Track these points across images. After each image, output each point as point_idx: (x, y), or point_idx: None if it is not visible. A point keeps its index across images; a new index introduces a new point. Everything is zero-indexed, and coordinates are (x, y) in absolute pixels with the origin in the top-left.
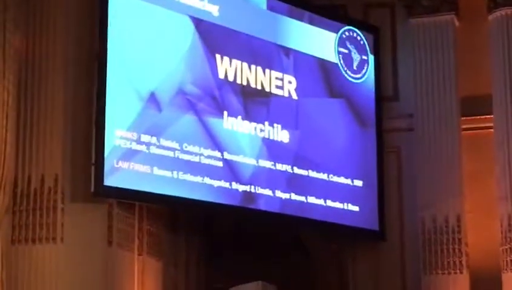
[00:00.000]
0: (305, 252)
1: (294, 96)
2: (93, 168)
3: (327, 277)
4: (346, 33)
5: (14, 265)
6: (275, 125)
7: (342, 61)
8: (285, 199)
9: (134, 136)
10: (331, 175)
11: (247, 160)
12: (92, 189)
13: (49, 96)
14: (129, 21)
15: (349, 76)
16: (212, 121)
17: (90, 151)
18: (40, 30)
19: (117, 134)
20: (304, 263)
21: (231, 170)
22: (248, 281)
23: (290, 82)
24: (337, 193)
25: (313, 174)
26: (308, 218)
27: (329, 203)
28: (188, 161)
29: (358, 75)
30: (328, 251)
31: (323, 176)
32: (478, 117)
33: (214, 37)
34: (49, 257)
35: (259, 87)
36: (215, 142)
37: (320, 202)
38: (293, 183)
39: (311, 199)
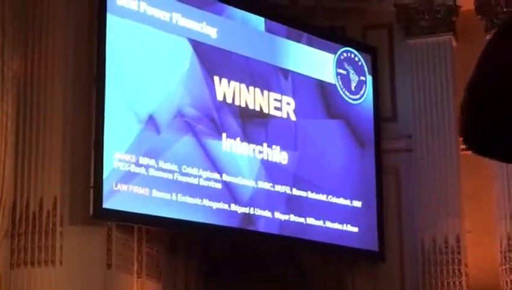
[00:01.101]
0: (303, 273)
1: (293, 117)
2: (92, 191)
3: None
4: (344, 54)
5: (14, 288)
6: (274, 146)
7: (340, 82)
8: (284, 221)
9: (133, 158)
10: (330, 196)
11: (246, 182)
12: (91, 212)
13: (48, 120)
14: (127, 44)
15: (348, 97)
16: (211, 143)
17: (89, 174)
18: (38, 53)
19: (116, 157)
20: (302, 284)
21: (230, 192)
22: None
23: (288, 103)
24: (336, 214)
25: (312, 195)
26: (307, 239)
27: (329, 224)
28: (187, 183)
29: (357, 96)
30: (327, 272)
31: (322, 197)
32: None
33: (212, 59)
34: (48, 280)
35: (257, 109)
36: (214, 164)
37: (320, 223)
38: (292, 204)
39: (310, 220)
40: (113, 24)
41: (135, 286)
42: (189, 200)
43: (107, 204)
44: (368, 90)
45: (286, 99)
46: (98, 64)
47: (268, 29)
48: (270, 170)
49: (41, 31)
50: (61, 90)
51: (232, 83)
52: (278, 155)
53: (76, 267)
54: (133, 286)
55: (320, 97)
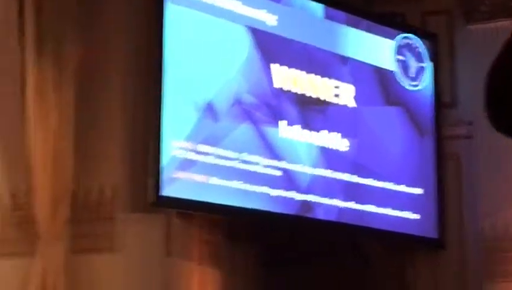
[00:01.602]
0: (364, 261)
1: (352, 104)
2: (151, 178)
3: (387, 285)
4: (404, 40)
5: (75, 275)
6: (333, 133)
7: (399, 69)
8: (344, 208)
9: (192, 146)
10: (390, 183)
11: (304, 169)
12: (151, 199)
13: (107, 108)
14: (186, 32)
15: (407, 84)
16: (269, 130)
17: (148, 162)
18: (97, 42)
19: (174, 144)
20: (362, 272)
21: (289, 179)
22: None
23: (347, 90)
24: (396, 201)
25: (371, 182)
26: (367, 226)
27: (388, 211)
28: (246, 171)
29: (416, 83)
30: (388, 260)
31: (382, 184)
32: None
33: (271, 47)
34: (108, 267)
35: (316, 96)
36: (272, 151)
37: (379, 210)
38: (351, 191)
39: (370, 208)
40: (171, 12)
41: (195, 273)
42: (248, 187)
43: (166, 192)
44: (428, 76)
45: (345, 86)
46: (156, 52)
47: (327, 16)
48: (329, 157)
49: (101, 19)
50: (120, 79)
51: (291, 70)
52: (337, 142)
53: (136, 254)
54: (192, 273)
55: (379, 84)
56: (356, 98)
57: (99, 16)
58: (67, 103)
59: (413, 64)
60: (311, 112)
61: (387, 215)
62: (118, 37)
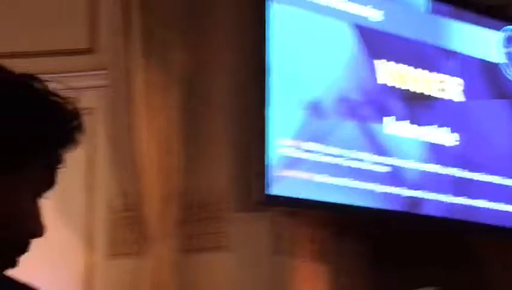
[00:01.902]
0: (475, 257)
1: (459, 98)
2: (258, 177)
3: (501, 282)
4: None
5: (185, 275)
6: (441, 128)
7: (507, 61)
8: (454, 203)
9: (298, 144)
10: (501, 177)
11: (412, 165)
12: (258, 198)
13: (213, 108)
14: (290, 30)
15: None
16: (376, 126)
17: (255, 161)
18: (203, 44)
19: (281, 143)
20: (473, 268)
21: (396, 176)
22: (418, 288)
23: (454, 84)
24: (508, 195)
25: (481, 177)
26: (478, 222)
27: (500, 206)
28: (352, 167)
29: None
30: (500, 255)
31: (493, 178)
32: None
33: (376, 43)
34: (217, 267)
35: (423, 91)
36: (378, 147)
37: (491, 205)
38: (460, 187)
39: (480, 203)
40: (275, 11)
41: (304, 271)
42: (354, 184)
43: (273, 190)
44: None
45: (453, 80)
46: (261, 52)
47: (432, 10)
48: (438, 152)
49: (204, 22)
50: (226, 79)
51: (398, 66)
52: (446, 137)
53: (244, 253)
54: (301, 271)
55: (487, 77)
56: (463, 92)
57: (203, 20)
58: (174, 104)
59: None
60: (418, 107)
61: (499, 210)
62: (222, 39)
